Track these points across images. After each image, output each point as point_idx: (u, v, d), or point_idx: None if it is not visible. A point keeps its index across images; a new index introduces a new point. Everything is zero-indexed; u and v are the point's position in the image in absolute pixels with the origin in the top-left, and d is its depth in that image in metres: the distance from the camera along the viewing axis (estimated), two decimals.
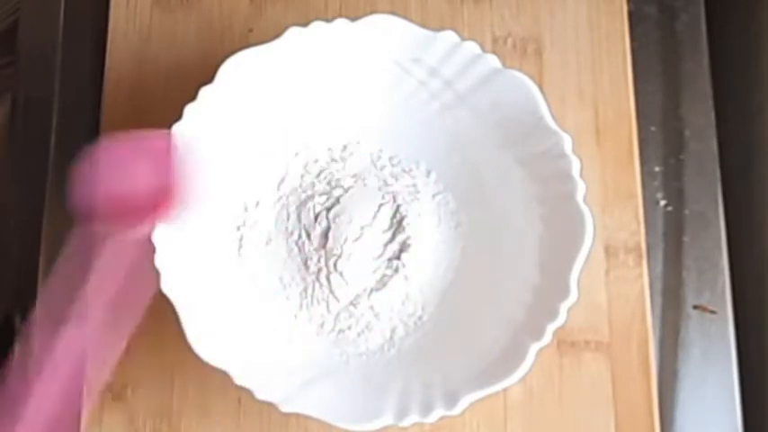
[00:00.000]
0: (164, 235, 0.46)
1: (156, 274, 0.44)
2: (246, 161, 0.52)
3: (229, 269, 0.52)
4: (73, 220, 0.55)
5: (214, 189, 0.51)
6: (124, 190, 0.38)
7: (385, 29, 0.49)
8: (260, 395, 0.45)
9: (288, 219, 0.54)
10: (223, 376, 0.44)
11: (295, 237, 0.53)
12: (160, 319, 0.45)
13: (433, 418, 0.45)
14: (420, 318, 0.52)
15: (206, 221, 0.51)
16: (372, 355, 0.51)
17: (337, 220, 0.53)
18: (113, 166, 0.38)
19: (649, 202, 0.57)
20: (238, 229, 0.52)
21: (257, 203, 0.53)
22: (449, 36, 0.49)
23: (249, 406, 0.52)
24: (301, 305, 0.52)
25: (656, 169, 0.58)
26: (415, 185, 0.54)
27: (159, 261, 0.45)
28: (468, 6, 0.59)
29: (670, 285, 0.56)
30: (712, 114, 0.59)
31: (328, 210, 0.53)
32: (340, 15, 0.49)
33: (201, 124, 0.48)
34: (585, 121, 0.57)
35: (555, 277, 0.48)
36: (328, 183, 0.54)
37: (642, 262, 0.55)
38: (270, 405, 0.45)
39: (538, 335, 0.46)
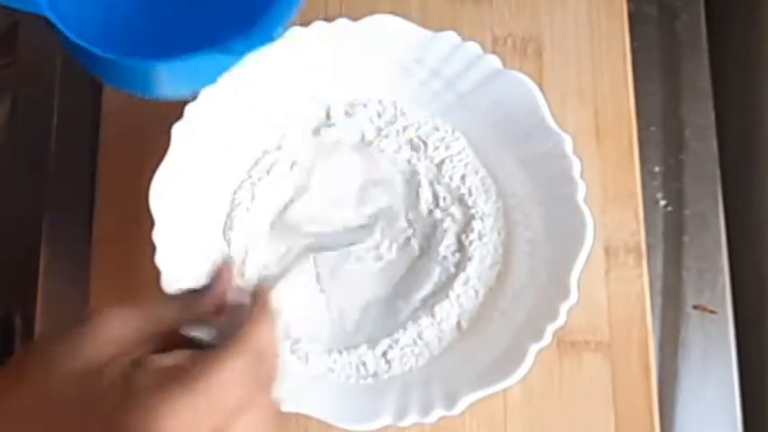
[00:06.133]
0: (164, 234, 0.46)
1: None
2: (247, 161, 0.53)
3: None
4: (73, 219, 0.55)
5: (215, 188, 0.51)
6: None
7: (386, 29, 0.49)
8: None
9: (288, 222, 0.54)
10: None
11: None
12: None
13: (432, 418, 0.45)
14: None
15: (206, 221, 0.51)
16: (373, 355, 0.51)
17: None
18: None
19: (649, 202, 0.57)
20: (237, 228, 0.52)
21: (258, 203, 0.53)
22: (450, 36, 0.49)
23: None
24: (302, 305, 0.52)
25: (656, 169, 0.58)
26: None
27: (159, 260, 0.45)
28: (468, 6, 0.59)
29: (670, 285, 0.56)
30: (712, 114, 0.59)
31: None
32: (340, 15, 0.49)
33: (202, 123, 0.48)
34: (585, 121, 0.57)
35: (555, 278, 0.48)
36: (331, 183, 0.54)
37: (642, 262, 0.55)
38: None
39: (538, 335, 0.46)
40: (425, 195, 0.53)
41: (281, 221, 0.53)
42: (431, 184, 0.53)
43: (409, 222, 0.54)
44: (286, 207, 0.53)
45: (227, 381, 0.32)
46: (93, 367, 0.33)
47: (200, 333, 0.35)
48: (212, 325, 0.36)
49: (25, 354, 0.34)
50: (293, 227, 0.52)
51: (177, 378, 0.32)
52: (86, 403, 0.32)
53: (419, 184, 0.53)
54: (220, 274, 0.37)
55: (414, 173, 0.54)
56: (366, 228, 0.53)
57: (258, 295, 0.37)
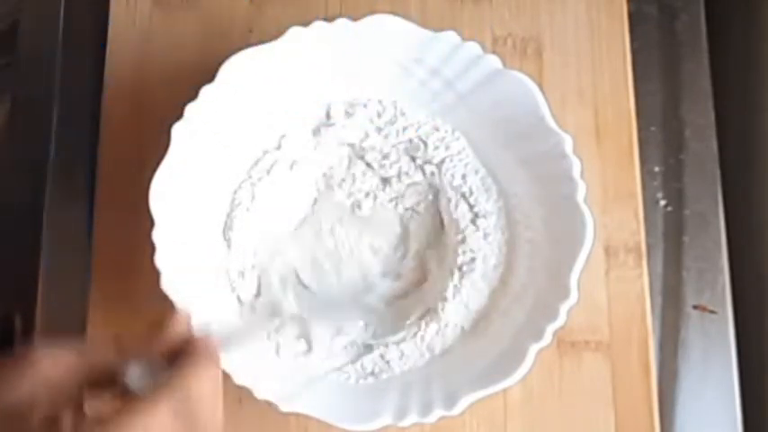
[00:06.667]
0: (164, 234, 0.46)
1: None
2: (247, 161, 0.52)
3: (227, 267, 0.52)
4: (73, 219, 0.55)
5: (215, 188, 0.51)
6: None
7: (387, 29, 0.49)
8: (260, 394, 0.45)
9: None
10: (223, 375, 0.44)
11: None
12: None
13: (432, 418, 0.45)
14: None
15: (206, 222, 0.51)
16: (373, 355, 0.51)
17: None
18: None
19: (649, 202, 0.57)
20: (237, 228, 0.52)
21: (258, 203, 0.53)
22: (450, 36, 0.49)
23: (250, 406, 0.52)
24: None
25: (656, 169, 0.58)
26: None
27: (159, 261, 0.45)
28: (468, 6, 0.59)
29: (670, 285, 0.56)
30: (712, 114, 0.59)
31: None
32: (340, 16, 0.49)
33: (202, 123, 0.48)
34: (585, 121, 0.57)
35: (555, 278, 0.48)
36: (330, 184, 0.54)
37: (642, 262, 0.55)
38: (270, 404, 0.45)
39: (538, 336, 0.46)
40: (431, 194, 0.54)
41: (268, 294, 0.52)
42: (437, 183, 0.53)
43: (416, 221, 0.54)
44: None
45: (153, 428, 0.32)
46: (21, 409, 0.32)
47: (133, 375, 0.35)
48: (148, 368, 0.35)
49: None
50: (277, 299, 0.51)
51: (104, 422, 0.32)
52: None
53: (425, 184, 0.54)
54: (172, 323, 0.37)
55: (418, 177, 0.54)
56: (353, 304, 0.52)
57: (201, 345, 0.36)
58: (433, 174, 0.53)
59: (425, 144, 0.53)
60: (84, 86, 0.58)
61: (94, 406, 0.33)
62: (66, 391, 0.34)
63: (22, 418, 0.32)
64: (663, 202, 0.58)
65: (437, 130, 0.53)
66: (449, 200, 0.53)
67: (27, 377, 0.33)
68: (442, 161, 0.53)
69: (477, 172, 0.53)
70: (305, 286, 0.52)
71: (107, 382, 0.35)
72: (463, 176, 0.53)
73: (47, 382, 0.33)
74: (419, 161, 0.54)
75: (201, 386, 0.35)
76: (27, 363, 0.34)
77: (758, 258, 0.60)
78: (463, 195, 0.52)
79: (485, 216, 0.52)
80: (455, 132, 0.53)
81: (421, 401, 0.46)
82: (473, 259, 0.51)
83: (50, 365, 0.34)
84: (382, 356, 0.50)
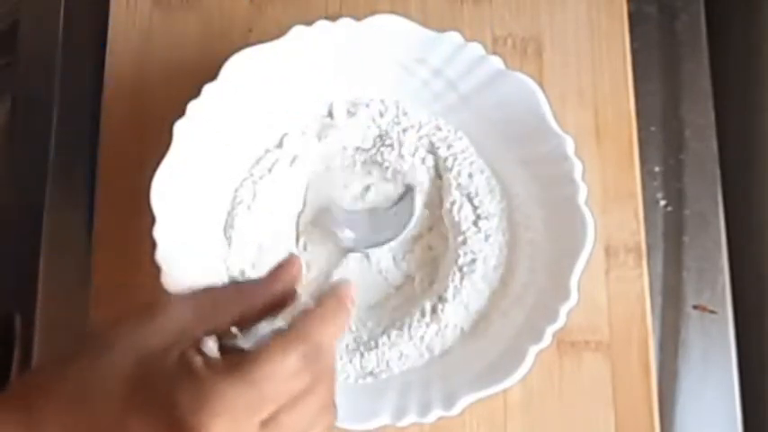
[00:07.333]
0: (164, 232, 0.46)
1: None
2: (248, 159, 0.52)
3: (228, 266, 0.52)
4: (73, 219, 0.55)
5: (216, 187, 0.51)
6: None
7: (390, 29, 0.49)
8: None
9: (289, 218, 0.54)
10: None
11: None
12: None
13: (431, 418, 0.45)
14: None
15: (207, 220, 0.51)
16: (373, 355, 0.51)
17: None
18: None
19: (649, 202, 0.57)
20: (238, 226, 0.52)
21: (259, 201, 0.53)
22: (453, 37, 0.49)
23: None
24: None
25: (656, 169, 0.58)
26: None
27: (160, 258, 0.45)
28: (469, 6, 0.59)
29: (670, 285, 0.56)
30: (712, 114, 0.59)
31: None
32: (340, 16, 0.49)
33: (204, 121, 0.48)
34: (585, 121, 0.57)
35: (555, 280, 0.48)
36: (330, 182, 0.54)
37: (642, 262, 0.55)
38: None
39: (537, 337, 0.46)
40: (434, 194, 0.54)
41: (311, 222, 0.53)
42: (442, 183, 0.53)
43: (418, 221, 0.54)
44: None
45: (282, 374, 0.33)
46: (158, 351, 0.34)
47: (240, 341, 0.36)
48: (253, 330, 0.37)
49: (84, 339, 0.37)
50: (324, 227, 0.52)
51: (235, 365, 0.33)
52: (145, 380, 0.33)
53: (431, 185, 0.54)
54: (287, 268, 0.38)
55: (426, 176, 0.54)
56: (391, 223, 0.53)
57: (334, 291, 0.38)
58: (438, 172, 0.53)
59: (431, 143, 0.53)
60: (84, 86, 0.58)
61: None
62: (195, 329, 0.35)
63: (159, 359, 0.34)
64: (663, 202, 0.58)
65: (440, 129, 0.53)
66: (453, 202, 0.53)
67: (160, 323, 0.35)
68: (446, 159, 0.53)
69: (482, 172, 0.53)
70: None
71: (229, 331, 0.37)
72: (470, 175, 0.52)
73: (179, 328, 0.35)
74: (425, 160, 0.54)
75: (331, 333, 0.36)
76: (160, 310, 0.36)
77: (758, 258, 0.60)
78: (468, 196, 0.52)
79: (487, 218, 0.52)
80: (458, 132, 0.53)
81: (420, 402, 0.46)
82: (474, 260, 0.51)
83: (181, 313, 0.36)
84: (381, 356, 0.50)
